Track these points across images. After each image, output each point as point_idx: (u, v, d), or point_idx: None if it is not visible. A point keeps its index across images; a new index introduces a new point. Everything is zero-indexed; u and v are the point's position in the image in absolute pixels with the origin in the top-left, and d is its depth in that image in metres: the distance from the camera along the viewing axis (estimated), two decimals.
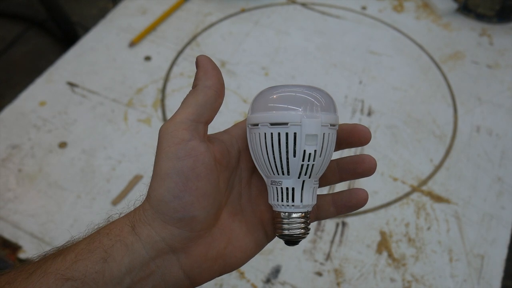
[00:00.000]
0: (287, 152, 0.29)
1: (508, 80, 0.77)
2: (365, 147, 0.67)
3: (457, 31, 0.85)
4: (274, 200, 0.31)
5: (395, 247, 0.57)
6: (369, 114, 0.71)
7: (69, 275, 0.26)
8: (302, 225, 0.31)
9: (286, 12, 0.87)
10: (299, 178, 0.30)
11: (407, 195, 0.62)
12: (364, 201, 0.32)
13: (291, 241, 0.31)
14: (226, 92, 0.80)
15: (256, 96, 0.31)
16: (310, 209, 0.31)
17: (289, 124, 0.28)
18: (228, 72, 0.75)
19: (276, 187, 0.31)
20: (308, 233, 0.32)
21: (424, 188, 0.63)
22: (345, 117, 0.70)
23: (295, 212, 0.31)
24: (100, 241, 0.27)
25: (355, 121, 0.70)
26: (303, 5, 0.89)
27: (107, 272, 0.27)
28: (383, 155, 0.66)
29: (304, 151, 0.29)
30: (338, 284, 0.54)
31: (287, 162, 0.29)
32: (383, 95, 0.74)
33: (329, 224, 0.59)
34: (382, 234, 0.58)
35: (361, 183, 0.63)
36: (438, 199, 0.62)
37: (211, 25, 0.84)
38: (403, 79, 0.77)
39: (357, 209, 0.33)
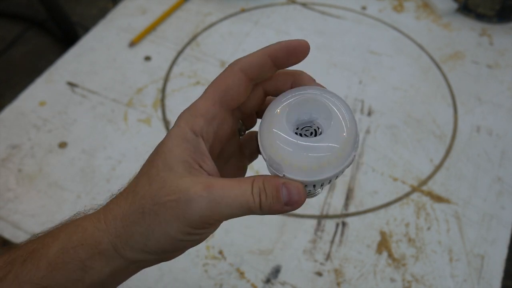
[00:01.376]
0: (321, 187, 0.29)
1: (508, 80, 0.77)
2: (365, 146, 0.67)
3: (457, 31, 0.85)
4: None
5: (395, 247, 0.57)
6: (369, 114, 0.71)
7: (44, 283, 0.26)
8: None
9: (286, 12, 0.87)
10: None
11: (407, 195, 0.62)
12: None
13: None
14: None
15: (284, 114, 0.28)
16: None
17: (337, 175, 0.28)
18: None
19: None
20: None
21: (424, 188, 0.63)
22: None
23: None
24: (76, 251, 0.26)
25: None
26: (303, 5, 0.89)
27: (87, 279, 0.26)
28: (383, 155, 0.66)
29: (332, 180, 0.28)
30: (338, 284, 0.54)
31: (313, 188, 0.28)
32: (383, 95, 0.74)
33: (329, 224, 0.59)
34: (382, 234, 0.58)
35: (361, 183, 0.63)
36: (438, 199, 0.62)
37: (211, 25, 0.84)
38: (403, 79, 0.77)
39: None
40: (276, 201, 0.26)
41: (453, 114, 0.72)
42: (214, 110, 0.28)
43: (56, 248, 0.27)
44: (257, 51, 0.29)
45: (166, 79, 0.75)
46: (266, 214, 0.27)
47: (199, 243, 0.28)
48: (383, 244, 0.57)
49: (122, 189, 0.29)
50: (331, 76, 0.76)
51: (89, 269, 0.26)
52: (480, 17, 0.86)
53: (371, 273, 0.55)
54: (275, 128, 0.27)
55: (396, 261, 0.56)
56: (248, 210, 0.26)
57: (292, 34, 0.83)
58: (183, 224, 0.25)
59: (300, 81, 0.30)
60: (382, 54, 0.80)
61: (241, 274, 0.54)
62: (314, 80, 0.31)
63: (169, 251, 0.28)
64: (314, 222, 0.59)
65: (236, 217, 0.27)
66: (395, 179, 0.64)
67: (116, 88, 0.73)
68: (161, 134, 0.67)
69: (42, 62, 1.18)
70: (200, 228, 0.26)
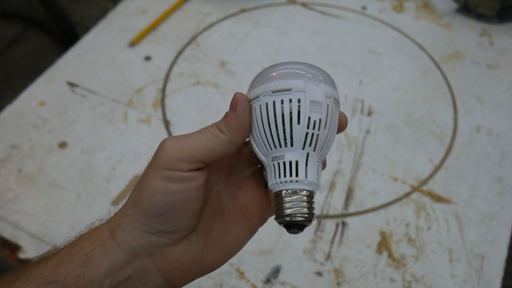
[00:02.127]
0: (290, 118, 0.27)
1: (508, 80, 0.77)
2: (365, 146, 0.67)
3: (457, 31, 0.85)
4: (275, 178, 0.29)
5: (395, 247, 0.57)
6: (369, 114, 0.71)
7: (50, 278, 0.27)
8: (306, 205, 0.28)
9: (286, 12, 0.87)
10: (303, 149, 0.28)
11: (407, 195, 0.62)
12: None
13: (294, 223, 0.28)
14: (226, 92, 0.80)
15: (255, 77, 0.31)
16: (314, 189, 0.29)
17: (292, 90, 0.28)
18: (228, 72, 0.75)
19: (278, 163, 0.28)
20: (312, 219, 0.28)
21: (424, 188, 0.63)
22: None
23: (299, 190, 0.28)
24: (81, 246, 0.28)
25: (355, 121, 0.70)
26: (303, 5, 0.89)
27: (87, 275, 0.27)
28: (383, 155, 0.66)
29: (309, 118, 0.27)
30: (338, 284, 0.54)
31: (291, 130, 0.28)
32: (383, 95, 0.74)
33: (329, 224, 0.59)
34: (382, 234, 0.58)
35: (361, 183, 0.63)
36: (438, 199, 0.62)
37: (211, 25, 0.84)
38: (403, 79, 0.77)
39: None
40: (225, 115, 0.29)
41: (453, 114, 0.72)
42: None
43: (67, 247, 0.28)
44: None
45: (166, 79, 0.75)
46: (230, 134, 0.28)
47: (192, 196, 0.28)
48: (383, 244, 0.57)
49: None
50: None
51: (90, 262, 0.27)
52: (480, 17, 0.86)
53: (371, 273, 0.55)
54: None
55: (396, 261, 0.56)
56: (215, 138, 0.28)
57: (292, 34, 0.83)
58: (160, 168, 0.27)
59: None
60: (382, 54, 0.80)
61: (241, 274, 0.54)
62: None
63: (158, 214, 0.28)
64: (314, 222, 0.59)
65: (211, 154, 0.28)
66: (395, 179, 0.64)
67: (116, 88, 0.73)
68: (161, 134, 0.67)
69: (42, 62, 1.18)
70: (178, 169, 0.27)
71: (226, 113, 0.29)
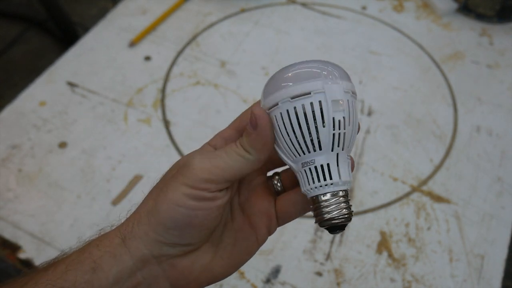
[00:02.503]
0: (315, 122, 0.27)
1: (508, 80, 0.77)
2: (365, 146, 0.67)
3: (457, 31, 0.85)
4: (308, 184, 0.28)
5: (395, 247, 0.57)
6: (369, 114, 0.71)
7: (59, 285, 0.27)
8: (344, 206, 0.28)
9: (286, 12, 0.87)
10: (332, 151, 0.28)
11: (407, 195, 0.62)
12: None
13: (336, 226, 0.28)
14: (226, 92, 0.80)
15: (268, 81, 0.30)
16: (349, 186, 0.29)
17: (311, 93, 0.27)
18: (228, 72, 0.75)
19: (309, 168, 0.28)
20: (351, 217, 0.28)
21: (424, 188, 0.63)
22: None
23: (335, 192, 0.28)
24: (90, 252, 0.28)
25: None
26: (303, 5, 0.89)
27: (95, 282, 0.27)
28: (383, 155, 0.66)
29: (333, 118, 0.27)
30: (338, 284, 0.54)
31: (317, 134, 0.27)
32: (383, 95, 0.74)
33: None
34: (382, 234, 0.58)
35: (361, 183, 0.63)
36: (438, 199, 0.62)
37: (211, 25, 0.84)
38: (403, 79, 0.77)
39: None
40: (246, 132, 0.29)
41: (453, 114, 0.72)
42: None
43: (76, 253, 0.28)
44: None
45: (166, 79, 0.75)
46: (256, 154, 0.28)
47: (212, 213, 0.28)
48: (383, 244, 0.57)
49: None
50: None
51: (99, 269, 0.27)
52: (480, 17, 0.86)
53: (371, 273, 0.55)
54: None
55: (396, 261, 0.56)
56: (242, 159, 0.28)
57: (292, 34, 0.83)
58: (185, 184, 0.27)
59: None
60: (382, 54, 0.80)
61: (241, 274, 0.54)
62: None
63: (176, 226, 0.28)
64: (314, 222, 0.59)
65: (239, 174, 0.28)
66: (395, 179, 0.64)
67: (116, 88, 0.73)
68: (161, 134, 0.67)
69: (42, 62, 1.18)
70: (204, 189, 0.27)
71: (247, 130, 0.29)
